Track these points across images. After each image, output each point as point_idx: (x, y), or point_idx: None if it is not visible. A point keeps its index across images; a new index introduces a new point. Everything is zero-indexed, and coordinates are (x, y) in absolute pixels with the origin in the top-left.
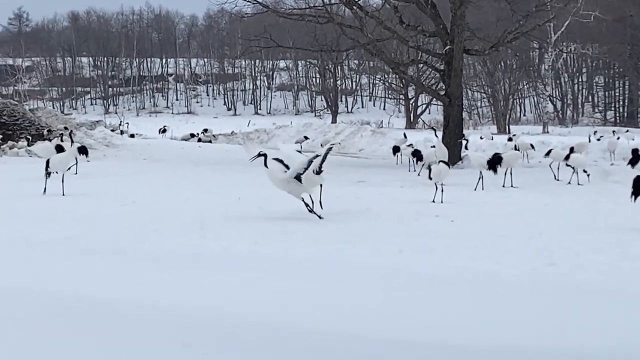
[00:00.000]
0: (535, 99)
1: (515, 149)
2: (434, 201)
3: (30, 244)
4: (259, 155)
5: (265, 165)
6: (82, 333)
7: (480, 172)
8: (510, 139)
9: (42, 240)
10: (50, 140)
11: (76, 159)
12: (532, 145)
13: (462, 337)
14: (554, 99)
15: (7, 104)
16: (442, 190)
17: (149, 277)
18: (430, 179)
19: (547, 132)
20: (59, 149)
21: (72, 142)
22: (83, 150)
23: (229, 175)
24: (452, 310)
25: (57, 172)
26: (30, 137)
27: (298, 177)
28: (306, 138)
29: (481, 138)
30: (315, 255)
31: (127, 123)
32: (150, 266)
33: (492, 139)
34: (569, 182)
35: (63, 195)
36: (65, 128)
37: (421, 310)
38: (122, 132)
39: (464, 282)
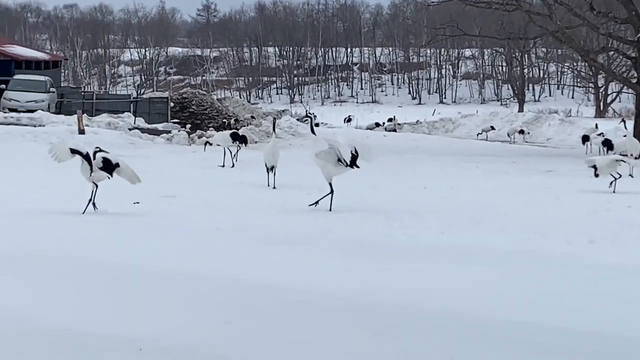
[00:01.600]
0: None
1: None
2: (610, 185)
3: (218, 232)
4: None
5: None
6: (269, 323)
7: None
8: None
9: (229, 227)
10: (237, 129)
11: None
12: None
13: None
14: None
15: (196, 94)
16: (616, 180)
17: (334, 267)
18: (597, 176)
19: None
20: (235, 136)
21: (275, 131)
22: (243, 139)
23: (415, 164)
24: None
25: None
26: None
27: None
28: (492, 128)
29: None
30: (502, 245)
31: (313, 113)
32: (336, 255)
33: None
34: None
35: (274, 188)
36: (252, 117)
37: (610, 301)
38: (317, 124)
39: None
